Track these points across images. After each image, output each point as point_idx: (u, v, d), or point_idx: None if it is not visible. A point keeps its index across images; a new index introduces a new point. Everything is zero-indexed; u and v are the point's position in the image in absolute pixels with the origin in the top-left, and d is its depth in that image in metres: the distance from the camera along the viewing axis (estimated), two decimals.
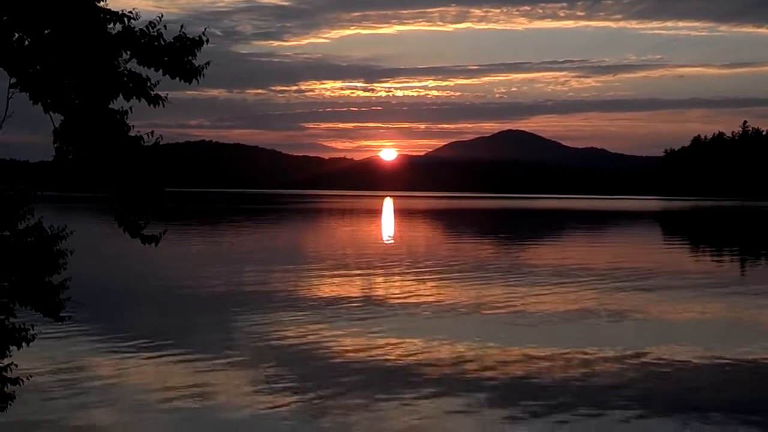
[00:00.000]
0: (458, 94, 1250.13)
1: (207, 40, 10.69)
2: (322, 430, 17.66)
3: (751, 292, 40.63)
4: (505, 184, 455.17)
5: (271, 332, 28.20)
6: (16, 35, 10.34)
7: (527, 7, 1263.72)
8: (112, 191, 10.98)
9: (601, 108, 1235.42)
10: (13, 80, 10.43)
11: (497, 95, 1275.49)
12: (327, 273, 46.81)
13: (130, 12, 10.55)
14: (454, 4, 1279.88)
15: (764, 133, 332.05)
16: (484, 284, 41.85)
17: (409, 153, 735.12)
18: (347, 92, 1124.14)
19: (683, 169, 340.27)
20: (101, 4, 10.48)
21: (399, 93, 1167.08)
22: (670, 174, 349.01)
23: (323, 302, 35.35)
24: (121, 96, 10.55)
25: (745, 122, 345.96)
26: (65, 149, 10.67)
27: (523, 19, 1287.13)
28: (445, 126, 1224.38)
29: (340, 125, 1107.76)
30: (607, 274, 46.76)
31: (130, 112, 10.65)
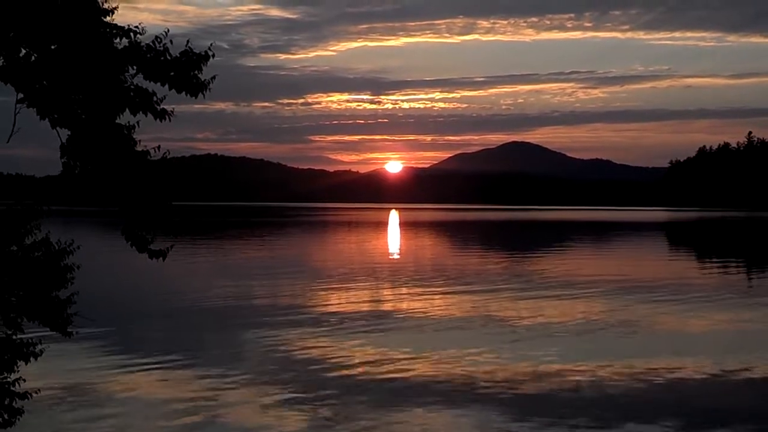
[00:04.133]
0: (465, 105, 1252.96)
1: (213, 55, 10.72)
2: None
3: (760, 303, 40.54)
4: (511, 196, 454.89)
5: (280, 346, 28.18)
6: (23, 51, 10.37)
7: (534, 19, 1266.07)
8: (119, 206, 11.00)
9: (607, 119, 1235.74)
10: (20, 96, 10.46)
11: (504, 107, 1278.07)
12: (334, 286, 46.79)
13: (137, 27, 10.59)
14: (461, 16, 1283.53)
15: None
16: (491, 297, 41.79)
17: (415, 165, 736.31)
18: (354, 105, 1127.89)
19: (689, 179, 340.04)
20: (108, 19, 10.51)
21: (405, 105, 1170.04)
22: (676, 185, 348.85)
23: (331, 316, 35.32)
24: (127, 111, 10.58)
25: (751, 133, 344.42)
26: (72, 164, 10.69)
27: (530, 31, 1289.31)
28: (452, 138, 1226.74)
29: (347, 138, 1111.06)
30: (614, 286, 46.67)
31: (137, 126, 10.69)
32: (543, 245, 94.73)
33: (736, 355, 26.83)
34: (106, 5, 10.56)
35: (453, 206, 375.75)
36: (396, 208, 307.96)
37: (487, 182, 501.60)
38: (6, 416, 12.20)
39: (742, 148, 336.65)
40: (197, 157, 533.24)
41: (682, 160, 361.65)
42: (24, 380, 12.47)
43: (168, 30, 10.68)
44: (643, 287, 46.06)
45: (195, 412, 19.73)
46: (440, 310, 37.33)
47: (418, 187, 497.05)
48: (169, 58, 10.59)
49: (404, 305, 38.98)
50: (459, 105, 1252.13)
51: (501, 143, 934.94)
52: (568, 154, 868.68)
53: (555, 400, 21.17)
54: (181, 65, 10.62)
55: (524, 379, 23.25)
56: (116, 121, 10.64)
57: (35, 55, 10.41)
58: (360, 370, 24.48)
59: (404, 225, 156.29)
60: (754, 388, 22.83)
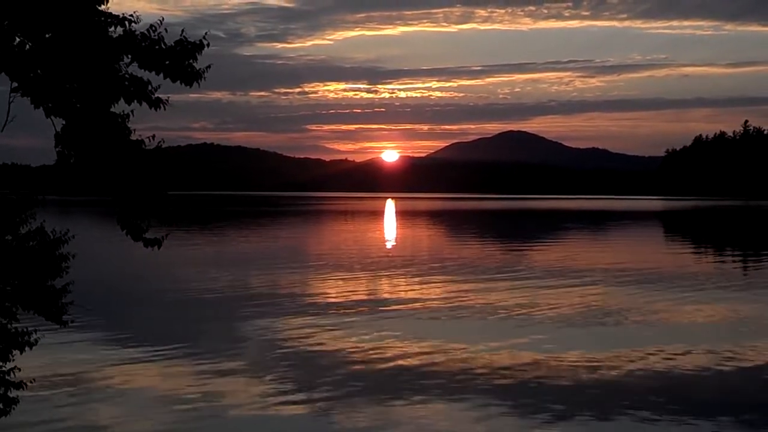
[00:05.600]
0: (462, 95, 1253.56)
1: (208, 44, 10.68)
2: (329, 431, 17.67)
3: (756, 291, 40.59)
4: (507, 185, 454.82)
5: (277, 335, 28.19)
6: (17, 39, 10.33)
7: (532, 8, 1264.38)
8: (113, 195, 10.97)
9: (604, 108, 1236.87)
10: (15, 85, 10.42)
11: (501, 96, 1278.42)
12: (331, 276, 46.80)
13: (131, 15, 10.54)
14: (458, 5, 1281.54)
15: (766, 132, 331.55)
16: (488, 286, 41.83)
17: (412, 154, 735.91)
18: (350, 94, 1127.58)
19: (685, 168, 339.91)
20: (102, 7, 10.47)
21: (402, 94, 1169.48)
22: (672, 174, 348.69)
23: (328, 305, 35.34)
24: (122, 100, 10.54)
25: (747, 121, 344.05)
26: (67, 153, 10.65)
27: (527, 20, 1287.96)
28: (448, 127, 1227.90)
29: (343, 127, 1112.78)
30: (611, 275, 46.73)
31: (131, 115, 10.65)
32: (539, 234, 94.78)
33: (731, 343, 26.87)
34: None
35: (449, 195, 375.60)
36: (392, 198, 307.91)
37: (484, 171, 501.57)
38: (1, 405, 12.19)
39: (738, 137, 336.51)
40: (193, 146, 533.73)
41: (678, 149, 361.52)
42: (19, 370, 12.45)
43: (163, 18, 10.64)
44: (639, 276, 46.10)
45: (192, 401, 19.73)
46: (437, 299, 37.35)
47: (414, 176, 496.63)
48: (164, 46, 10.55)
49: (401, 295, 39.00)
50: (456, 94, 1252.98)
51: (497, 132, 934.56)
52: (565, 143, 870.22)
53: (552, 388, 21.19)
54: (176, 54, 10.58)
55: (521, 368, 23.27)
56: (111, 110, 10.61)
57: (30, 43, 10.37)
58: (358, 359, 24.50)
59: (400, 214, 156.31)
60: (748, 376, 22.87)
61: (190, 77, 10.66)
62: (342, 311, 33.39)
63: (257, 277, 45.54)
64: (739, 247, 74.07)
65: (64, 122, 10.58)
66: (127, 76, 10.51)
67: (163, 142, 10.92)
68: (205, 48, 10.67)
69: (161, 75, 10.59)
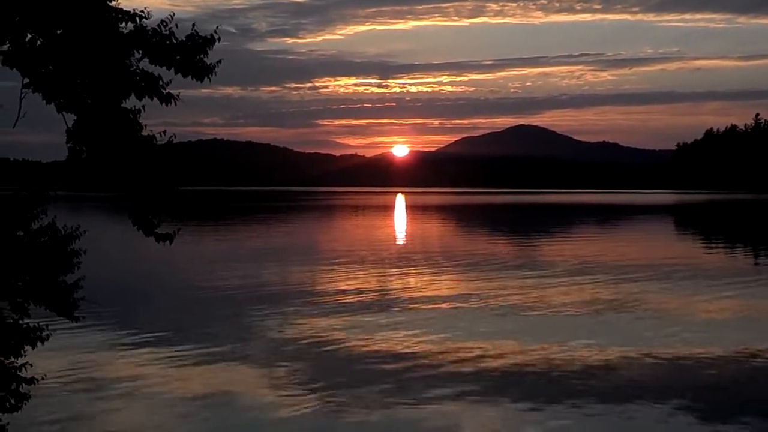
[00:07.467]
0: (473, 89, 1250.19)
1: (219, 39, 10.67)
2: (342, 428, 17.65)
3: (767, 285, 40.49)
4: (517, 180, 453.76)
5: (289, 330, 28.20)
6: (29, 35, 10.33)
7: (543, 1, 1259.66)
8: (125, 190, 10.98)
9: (616, 101, 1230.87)
10: (26, 80, 10.43)
11: (512, 90, 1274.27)
12: (342, 270, 46.80)
13: (142, 11, 10.54)
14: None
15: None
16: (500, 280, 41.78)
17: (422, 149, 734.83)
18: (361, 89, 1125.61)
19: (696, 162, 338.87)
20: (113, 3, 10.47)
21: (413, 89, 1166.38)
22: (683, 167, 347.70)
23: (340, 300, 35.34)
24: (133, 95, 10.54)
25: (758, 115, 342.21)
26: (78, 149, 10.66)
27: (539, 13, 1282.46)
28: (459, 121, 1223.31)
29: (354, 122, 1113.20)
30: (622, 269, 46.61)
31: (142, 111, 10.65)
32: (550, 229, 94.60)
33: (746, 337, 26.79)
34: None
35: (460, 190, 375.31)
36: (402, 192, 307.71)
37: (494, 165, 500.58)
38: (13, 401, 12.19)
39: (749, 130, 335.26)
40: (204, 142, 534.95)
41: (689, 143, 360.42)
42: (31, 365, 12.47)
43: (173, 14, 10.64)
44: (652, 270, 45.96)
45: (204, 394, 19.75)
46: (449, 293, 37.32)
47: (424, 171, 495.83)
48: (174, 42, 10.55)
49: (413, 291, 38.98)
50: (467, 88, 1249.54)
51: (508, 126, 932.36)
52: (575, 137, 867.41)
53: (565, 383, 21.15)
54: (187, 49, 10.57)
55: (534, 363, 23.25)
56: (122, 106, 10.61)
57: (41, 39, 10.37)
58: (369, 353, 24.49)
59: (411, 209, 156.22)
60: (760, 370, 22.80)
61: (201, 72, 10.65)
62: (355, 307, 33.38)
63: (269, 273, 45.55)
64: (753, 241, 73.80)
65: (75, 118, 10.59)
66: (138, 71, 10.51)
67: (174, 137, 10.93)
68: (216, 43, 10.66)
69: (172, 70, 10.59)
